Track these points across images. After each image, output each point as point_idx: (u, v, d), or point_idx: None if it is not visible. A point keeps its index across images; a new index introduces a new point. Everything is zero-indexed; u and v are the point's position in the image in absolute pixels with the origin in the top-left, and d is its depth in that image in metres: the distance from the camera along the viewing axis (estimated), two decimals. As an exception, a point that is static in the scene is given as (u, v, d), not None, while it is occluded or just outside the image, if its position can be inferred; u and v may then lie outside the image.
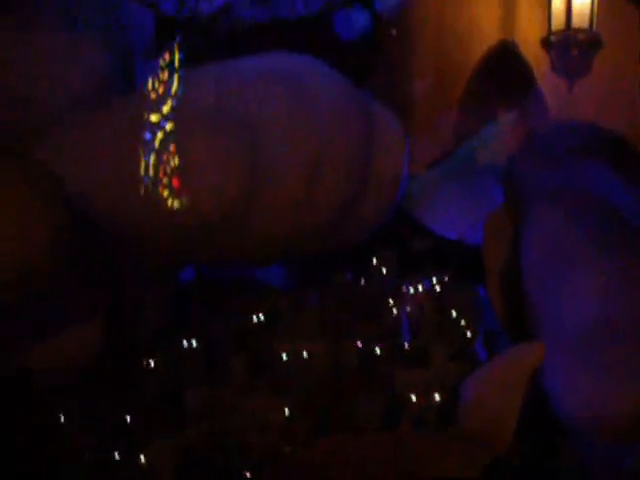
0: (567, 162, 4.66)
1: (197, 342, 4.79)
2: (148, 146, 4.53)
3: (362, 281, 5.25)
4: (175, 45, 4.50)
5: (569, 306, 4.26)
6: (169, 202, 4.48)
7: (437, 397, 4.31)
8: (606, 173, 4.61)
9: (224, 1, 6.10)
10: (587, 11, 5.64)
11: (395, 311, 4.97)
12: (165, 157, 4.47)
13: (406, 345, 4.70)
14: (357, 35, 6.04)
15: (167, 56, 4.56)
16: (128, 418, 4.38)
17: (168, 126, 4.49)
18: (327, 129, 4.80)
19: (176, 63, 4.56)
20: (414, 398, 4.32)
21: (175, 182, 4.46)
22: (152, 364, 4.72)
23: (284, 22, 5.84)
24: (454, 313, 4.94)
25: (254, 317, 4.97)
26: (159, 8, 5.70)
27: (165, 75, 4.58)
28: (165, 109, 4.53)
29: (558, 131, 5.17)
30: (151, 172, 4.49)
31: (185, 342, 4.80)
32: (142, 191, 4.52)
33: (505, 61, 5.90)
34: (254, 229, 4.84)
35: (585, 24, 5.64)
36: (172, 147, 4.47)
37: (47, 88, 4.73)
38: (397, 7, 6.09)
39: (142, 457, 4.15)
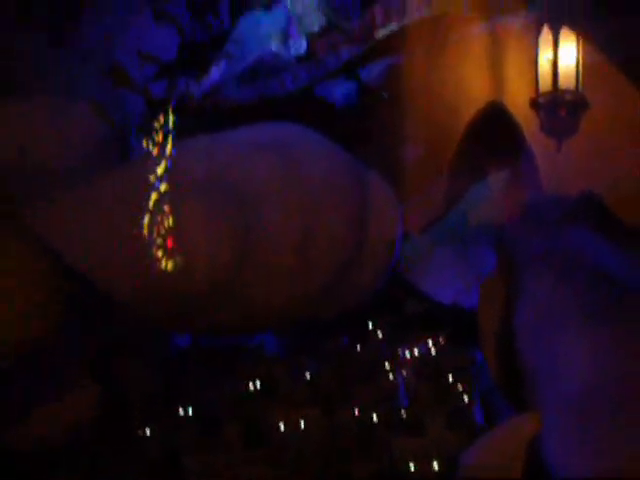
0: (556, 229, 4.72)
1: (193, 409, 4.78)
2: (142, 215, 4.59)
3: (358, 346, 5.27)
4: (167, 122, 4.60)
5: (562, 370, 4.29)
6: (163, 269, 4.53)
7: (435, 465, 4.30)
8: (593, 239, 4.67)
9: (213, 83, 6.26)
10: (573, 73, 5.74)
11: (391, 376, 4.98)
12: (158, 226, 4.52)
13: (403, 413, 4.70)
14: (341, 105, 6.18)
15: (159, 131, 4.66)
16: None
17: (161, 196, 4.56)
18: (319, 196, 4.85)
19: (167, 138, 4.66)
20: (412, 466, 4.31)
21: (169, 250, 4.51)
22: (148, 432, 4.69)
23: (272, 99, 5.95)
24: (450, 377, 4.96)
25: (250, 384, 4.97)
26: (150, 92, 5.84)
27: (157, 147, 4.68)
28: (158, 179, 4.60)
29: (547, 200, 5.23)
30: (145, 240, 4.54)
31: (181, 409, 4.79)
32: (136, 259, 4.57)
33: (495, 122, 5.98)
34: (249, 296, 4.85)
35: (571, 85, 5.71)
36: (166, 216, 4.52)
37: (46, 143, 4.83)
38: (383, 76, 6.23)
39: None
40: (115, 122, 5.29)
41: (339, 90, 6.26)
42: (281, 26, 6.57)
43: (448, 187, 5.99)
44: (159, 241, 4.49)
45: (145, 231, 4.50)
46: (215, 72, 6.39)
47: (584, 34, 5.55)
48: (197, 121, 5.54)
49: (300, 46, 6.54)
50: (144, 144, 4.74)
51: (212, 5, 6.76)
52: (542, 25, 5.75)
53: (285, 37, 6.55)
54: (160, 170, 4.59)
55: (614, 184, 5.41)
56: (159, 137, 4.67)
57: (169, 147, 4.60)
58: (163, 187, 4.55)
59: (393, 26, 6.11)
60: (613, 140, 5.59)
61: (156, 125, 4.67)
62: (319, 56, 6.39)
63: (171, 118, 4.62)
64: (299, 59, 6.46)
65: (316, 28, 6.62)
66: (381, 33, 6.15)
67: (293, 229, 4.79)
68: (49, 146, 4.82)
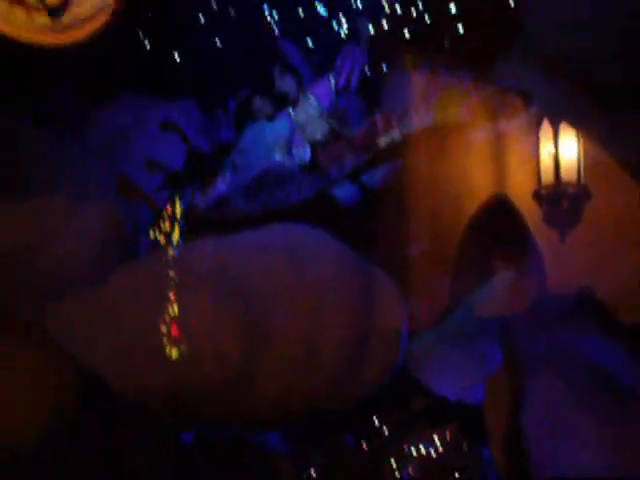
0: (558, 328, 4.77)
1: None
2: (147, 311, 4.65)
3: (363, 442, 5.23)
4: (173, 229, 4.73)
5: (567, 468, 4.29)
6: (169, 364, 4.57)
7: None
8: (593, 337, 4.72)
9: (219, 195, 6.33)
10: (574, 166, 5.82)
11: (397, 474, 4.93)
12: (164, 321, 4.57)
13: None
14: (345, 206, 6.25)
15: (166, 234, 4.78)
16: None
17: (167, 292, 4.63)
18: (327, 293, 4.90)
19: (174, 238, 4.76)
20: None
21: (175, 344, 4.56)
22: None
23: (277, 210, 6.02)
24: (457, 475, 4.91)
25: (255, 481, 4.94)
26: (155, 203, 5.95)
27: (163, 246, 4.78)
28: (168, 277, 4.67)
29: (550, 296, 5.28)
30: (151, 335, 4.59)
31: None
32: (141, 353, 4.61)
33: (498, 214, 6.06)
34: (254, 390, 4.86)
35: (574, 178, 5.80)
36: (171, 311, 4.58)
37: (56, 242, 4.92)
38: (386, 178, 6.33)
39: None
40: (125, 223, 5.38)
41: (343, 193, 6.33)
42: (285, 135, 6.65)
43: (453, 282, 6.02)
44: (165, 336, 4.54)
45: (151, 326, 4.56)
46: (221, 183, 6.45)
47: (585, 131, 5.66)
48: (203, 231, 5.61)
49: (304, 154, 6.59)
50: (151, 244, 4.85)
51: (218, 115, 6.88)
52: (542, 120, 5.89)
53: (289, 146, 6.61)
54: (166, 267, 4.67)
55: (618, 279, 5.43)
56: (166, 238, 4.78)
57: (175, 245, 4.70)
58: (169, 283, 4.63)
59: (395, 134, 6.18)
60: (617, 235, 5.64)
61: (163, 229, 4.79)
62: (323, 165, 6.44)
63: (177, 225, 4.75)
64: (303, 167, 6.51)
65: (319, 136, 6.68)
66: (383, 140, 6.22)
67: (300, 326, 4.83)
68: (59, 245, 4.92)
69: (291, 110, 6.82)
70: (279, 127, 6.72)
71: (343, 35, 6.53)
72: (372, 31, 6.50)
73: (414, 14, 6.24)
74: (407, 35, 6.31)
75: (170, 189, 6.27)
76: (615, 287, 5.27)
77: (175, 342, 4.45)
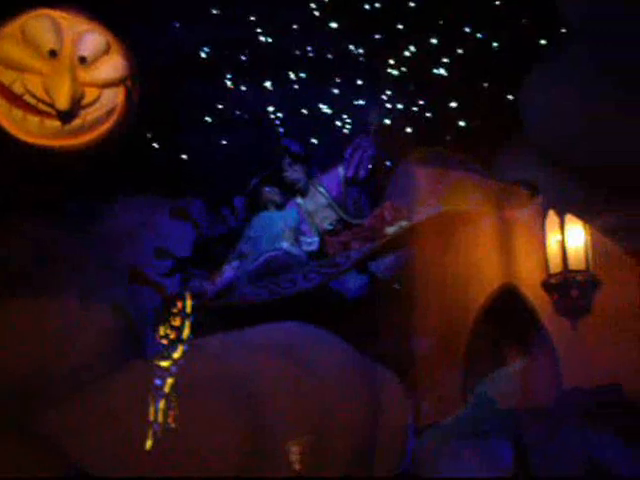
0: (571, 428, 4.68)
1: None
2: (150, 415, 4.60)
3: None
4: (180, 321, 4.71)
5: None
6: (175, 465, 4.50)
7: None
8: (609, 439, 4.62)
9: (226, 282, 6.35)
10: (582, 253, 5.80)
11: None
12: (169, 426, 4.52)
13: None
14: (353, 297, 6.21)
15: (173, 328, 4.75)
16: None
17: (172, 396, 4.58)
18: (330, 396, 4.85)
19: (181, 334, 4.74)
20: None
21: (179, 450, 4.50)
22: None
23: (284, 298, 5.94)
24: None
25: None
26: (165, 289, 5.95)
27: (170, 346, 4.75)
28: (170, 380, 4.64)
29: (562, 396, 5.20)
30: (153, 441, 4.53)
31: None
32: (143, 459, 4.54)
33: (508, 305, 5.99)
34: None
35: (581, 265, 5.77)
36: (177, 416, 4.53)
37: (57, 349, 4.90)
38: (393, 267, 6.29)
39: None
40: (132, 319, 5.37)
41: (351, 283, 6.28)
42: (293, 224, 6.64)
43: (463, 375, 5.94)
44: (166, 442, 4.48)
45: (154, 432, 4.51)
46: (229, 271, 6.48)
47: (591, 221, 5.65)
48: (210, 318, 5.59)
49: (312, 243, 6.61)
50: (157, 339, 4.82)
51: (227, 203, 6.90)
52: (547, 210, 5.89)
53: (297, 234, 6.61)
54: (172, 370, 4.64)
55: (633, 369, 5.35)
56: (171, 335, 4.76)
57: (183, 344, 4.66)
58: (174, 390, 4.59)
59: (403, 223, 6.13)
60: (627, 324, 5.57)
61: (169, 323, 4.77)
62: (330, 253, 6.40)
63: (185, 318, 4.73)
64: (311, 256, 6.50)
65: (328, 225, 6.71)
66: (391, 230, 6.15)
67: (305, 429, 4.77)
68: (61, 347, 4.91)
69: (300, 199, 6.87)
70: (288, 216, 6.72)
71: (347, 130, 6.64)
72: (380, 123, 6.61)
73: (417, 109, 6.36)
74: (411, 129, 6.41)
75: (178, 274, 6.26)
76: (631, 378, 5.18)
77: (176, 445, 4.39)
